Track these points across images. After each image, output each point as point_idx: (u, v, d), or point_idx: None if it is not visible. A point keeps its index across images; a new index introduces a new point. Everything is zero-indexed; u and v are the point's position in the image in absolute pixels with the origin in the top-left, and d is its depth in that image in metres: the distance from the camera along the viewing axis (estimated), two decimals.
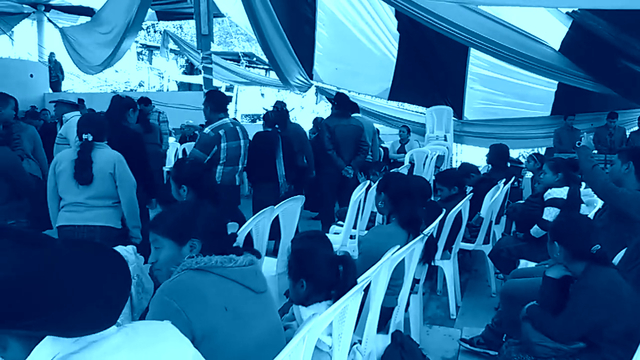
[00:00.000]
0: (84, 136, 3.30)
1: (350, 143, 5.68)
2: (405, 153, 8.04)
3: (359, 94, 10.24)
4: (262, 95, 18.22)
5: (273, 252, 4.08)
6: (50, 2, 13.41)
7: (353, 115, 6.01)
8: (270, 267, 3.47)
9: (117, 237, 3.34)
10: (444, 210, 3.45)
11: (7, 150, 3.68)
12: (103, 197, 3.34)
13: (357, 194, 4.22)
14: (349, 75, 10.20)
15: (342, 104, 5.88)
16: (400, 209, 2.84)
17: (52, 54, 14.20)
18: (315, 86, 10.63)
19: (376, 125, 7.49)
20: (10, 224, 3.52)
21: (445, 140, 9.00)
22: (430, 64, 9.24)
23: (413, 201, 2.87)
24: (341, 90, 9.26)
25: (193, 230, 1.79)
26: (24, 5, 13.66)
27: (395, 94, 10.08)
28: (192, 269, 1.69)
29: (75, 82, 18.42)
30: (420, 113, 10.36)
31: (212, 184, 3.17)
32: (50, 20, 14.04)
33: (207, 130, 4.30)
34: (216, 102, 4.40)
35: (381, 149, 8.48)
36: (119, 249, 2.13)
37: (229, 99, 4.53)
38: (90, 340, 1.06)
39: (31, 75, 14.24)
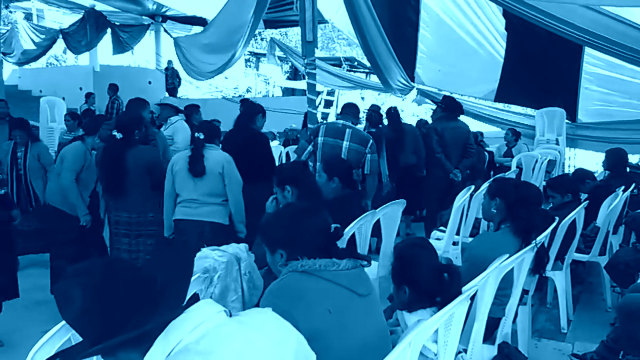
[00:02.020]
0: (197, 134, 3.66)
1: (459, 146, 5.60)
2: (512, 157, 7.73)
3: (462, 95, 9.98)
4: (362, 98, 18.28)
5: (375, 250, 4.13)
6: (167, 13, 14.38)
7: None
8: (371, 269, 3.49)
9: (225, 233, 3.63)
10: (557, 218, 3.29)
11: (149, 148, 4.13)
12: (213, 194, 3.66)
13: (461, 199, 4.13)
14: (452, 77, 9.97)
15: (449, 106, 5.81)
16: (517, 217, 2.73)
17: (169, 62, 15.25)
18: (417, 89, 10.50)
19: (480, 128, 7.30)
20: (150, 217, 3.91)
21: (557, 144, 8.52)
22: (540, 63, 8.78)
23: (531, 208, 2.76)
24: (444, 92, 9.09)
25: (299, 239, 1.81)
26: (144, 17, 14.78)
27: (502, 95, 9.69)
28: (298, 271, 1.73)
29: (189, 89, 19.59)
30: (529, 115, 9.90)
31: (313, 181, 3.25)
32: (166, 31, 15.07)
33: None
34: (342, 107, 4.71)
35: (486, 153, 8.22)
36: (232, 246, 2.25)
37: (356, 108, 4.84)
38: (205, 329, 1.13)
39: (149, 82, 15.40)
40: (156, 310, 1.15)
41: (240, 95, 18.94)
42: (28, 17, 17.13)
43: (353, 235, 3.09)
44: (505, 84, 9.36)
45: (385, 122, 5.91)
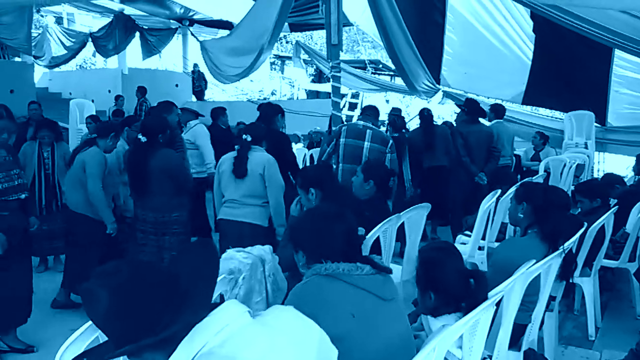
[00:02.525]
0: (244, 136, 3.75)
1: (483, 149, 5.61)
2: (540, 161, 7.61)
3: (488, 98, 9.87)
4: (387, 101, 18.23)
5: (399, 254, 4.11)
6: (194, 17, 14.54)
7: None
8: (395, 273, 3.47)
9: (264, 235, 3.64)
10: (585, 224, 3.23)
11: (171, 152, 4.16)
12: (253, 195, 3.72)
13: (487, 203, 4.08)
14: (479, 80, 9.87)
15: (472, 109, 5.78)
16: (544, 221, 2.70)
17: (195, 65, 15.44)
18: (443, 91, 10.43)
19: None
20: (174, 217, 3.98)
21: (586, 147, 8.36)
22: (569, 66, 8.63)
23: (559, 213, 2.72)
24: (470, 95, 9.00)
25: (322, 243, 1.81)
26: (171, 21, 14.98)
27: (529, 98, 9.55)
28: (321, 274, 1.74)
29: (215, 91, 19.80)
30: (557, 118, 9.74)
31: (337, 183, 3.27)
32: (193, 35, 15.24)
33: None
34: (363, 109, 4.80)
35: (513, 156, 8.12)
36: (257, 248, 2.27)
37: (376, 110, 4.90)
38: (230, 331, 1.14)
39: (176, 85, 15.60)
40: (182, 311, 1.16)
41: (265, 98, 19.08)
42: (59, 21, 17.51)
43: (378, 239, 3.09)
44: (533, 86, 9.24)
45: (409, 125, 5.94)
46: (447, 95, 10.45)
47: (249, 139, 3.74)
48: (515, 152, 8.36)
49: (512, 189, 3.93)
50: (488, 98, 9.77)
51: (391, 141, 4.60)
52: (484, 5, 8.85)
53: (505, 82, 9.56)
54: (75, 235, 4.13)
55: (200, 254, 1.32)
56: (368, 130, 4.55)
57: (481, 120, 6.14)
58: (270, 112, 4.71)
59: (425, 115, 5.97)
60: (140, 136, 3.93)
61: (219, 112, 6.70)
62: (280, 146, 4.34)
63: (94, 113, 8.87)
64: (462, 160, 5.56)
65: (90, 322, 1.59)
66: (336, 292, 1.70)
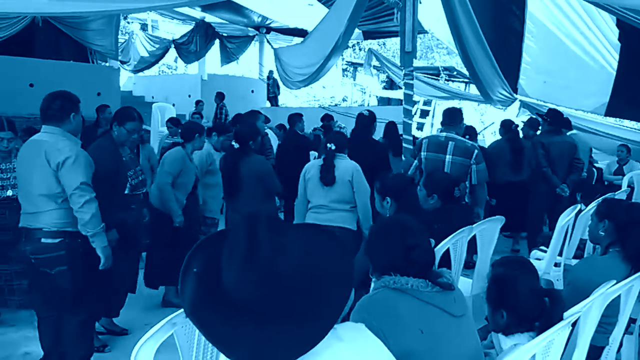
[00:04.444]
0: (328, 145, 3.96)
1: (565, 160, 5.46)
2: (623, 175, 7.23)
3: (569, 108, 9.48)
4: (460, 108, 17.90)
5: (472, 265, 4.06)
6: (271, 25, 14.91)
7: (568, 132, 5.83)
8: (466, 287, 3.42)
9: (353, 238, 3.87)
10: None
11: (261, 159, 4.51)
12: (342, 201, 3.90)
13: (566, 218, 3.94)
14: (559, 89, 9.50)
15: (555, 120, 5.63)
16: (627, 240, 2.58)
17: (270, 72, 15.80)
18: (520, 100, 10.11)
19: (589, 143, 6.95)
20: None
21: None
22: None
23: None
24: (549, 105, 8.69)
25: (395, 257, 1.79)
26: (249, 29, 15.43)
27: (613, 109, 9.08)
28: (389, 287, 1.72)
29: (288, 98, 20.18)
30: None
31: (415, 198, 3.28)
32: (268, 42, 15.62)
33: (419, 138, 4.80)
34: (444, 116, 4.74)
35: (594, 170, 7.78)
36: None
37: (457, 113, 4.79)
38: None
39: (252, 91, 16.02)
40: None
41: (336, 104, 19.21)
42: (144, 27, 18.47)
43: (448, 250, 3.06)
44: (617, 97, 8.78)
45: (483, 134, 5.88)
46: (524, 105, 10.14)
47: (333, 147, 3.91)
48: (596, 165, 7.99)
49: (593, 205, 3.78)
50: (569, 108, 9.40)
51: (476, 151, 4.34)
52: (566, 12, 8.53)
53: (587, 92, 9.16)
54: (159, 232, 4.36)
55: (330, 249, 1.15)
56: (450, 142, 4.33)
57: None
58: (365, 121, 5.05)
59: (513, 129, 5.92)
60: (233, 143, 4.31)
61: (295, 118, 6.84)
62: (375, 155, 4.69)
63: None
64: (543, 171, 5.42)
65: (167, 319, 1.68)
66: (404, 307, 1.68)
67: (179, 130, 6.79)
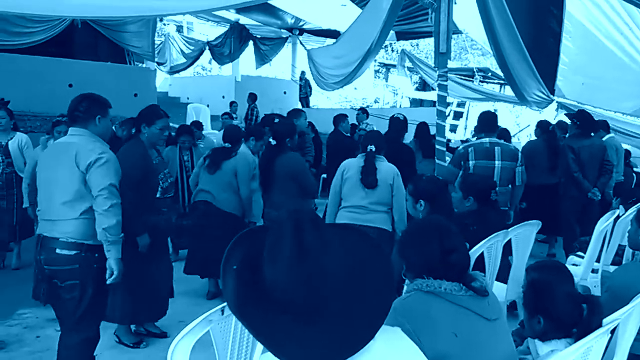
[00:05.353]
0: (369, 147, 3.98)
1: (596, 164, 5.36)
2: None
3: (607, 110, 9.25)
4: (495, 110, 17.63)
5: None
6: (304, 27, 14.98)
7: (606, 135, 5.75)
8: (500, 292, 3.37)
9: (389, 238, 3.93)
10: None
11: (297, 156, 4.51)
12: (381, 203, 3.95)
13: (604, 223, 3.84)
14: (597, 91, 9.27)
15: (585, 122, 5.48)
16: None
17: (302, 73, 15.88)
18: (557, 102, 9.91)
19: (626, 146, 6.77)
20: None
21: None
22: None
23: None
24: (587, 107, 8.49)
25: (429, 260, 1.77)
26: (282, 31, 15.54)
27: None
28: (422, 290, 1.72)
29: (320, 99, 20.23)
30: None
31: (448, 201, 3.25)
32: (301, 43, 15.69)
33: (461, 147, 4.78)
34: (481, 121, 4.74)
35: (634, 174, 7.57)
36: None
37: (494, 118, 4.82)
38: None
39: (284, 92, 16.14)
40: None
41: (368, 106, 19.18)
42: (179, 29, 18.77)
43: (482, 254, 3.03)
44: None
45: (518, 136, 5.80)
46: (561, 106, 9.93)
47: (373, 149, 3.94)
48: (636, 170, 7.78)
49: (632, 210, 3.68)
50: (607, 111, 9.18)
51: (519, 153, 4.56)
52: (605, 12, 8.32)
53: (627, 94, 8.93)
54: (219, 231, 4.32)
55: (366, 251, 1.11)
56: (496, 148, 4.45)
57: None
58: (399, 125, 5.27)
59: (551, 131, 5.83)
60: (270, 139, 4.39)
61: (340, 119, 6.91)
62: (405, 158, 4.81)
63: (209, 118, 9.39)
64: (574, 176, 5.31)
65: (202, 317, 1.70)
66: (438, 310, 1.67)
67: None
